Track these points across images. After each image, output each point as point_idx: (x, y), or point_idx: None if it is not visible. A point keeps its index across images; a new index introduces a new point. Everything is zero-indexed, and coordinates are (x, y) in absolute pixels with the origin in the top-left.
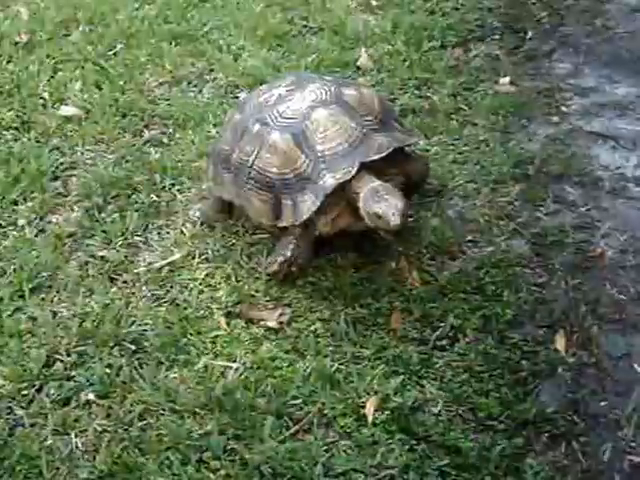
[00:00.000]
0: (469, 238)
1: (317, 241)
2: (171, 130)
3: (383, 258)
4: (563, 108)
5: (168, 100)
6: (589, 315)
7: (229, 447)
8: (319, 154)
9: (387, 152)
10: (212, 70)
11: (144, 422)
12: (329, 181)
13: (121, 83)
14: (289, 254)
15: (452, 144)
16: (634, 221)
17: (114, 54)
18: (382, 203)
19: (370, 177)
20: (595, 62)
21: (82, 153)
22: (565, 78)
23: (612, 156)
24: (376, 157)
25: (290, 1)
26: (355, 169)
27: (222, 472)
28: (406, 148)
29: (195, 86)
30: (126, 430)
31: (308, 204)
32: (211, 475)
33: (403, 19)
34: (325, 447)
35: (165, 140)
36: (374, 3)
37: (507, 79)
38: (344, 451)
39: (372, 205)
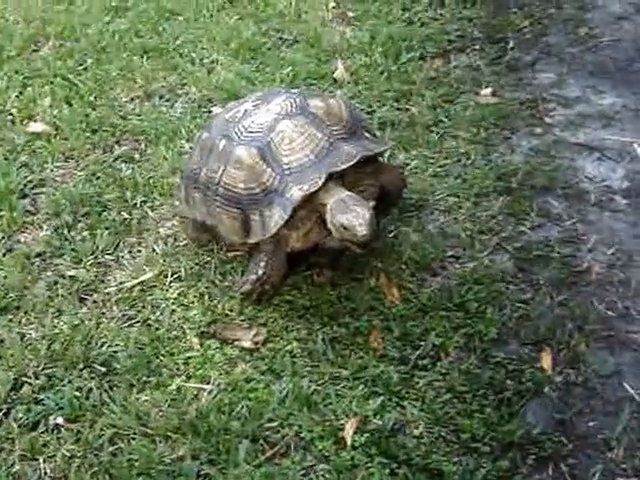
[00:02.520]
0: (451, 253)
1: (292, 258)
2: (143, 146)
3: (361, 275)
4: (547, 119)
5: (139, 115)
6: (576, 332)
7: (203, 472)
8: (285, 166)
9: (355, 161)
10: (184, 84)
11: (115, 447)
12: (296, 193)
13: (91, 98)
14: (261, 272)
15: (432, 157)
16: (621, 234)
17: (84, 69)
18: (349, 214)
19: (339, 188)
20: (579, 72)
21: (51, 170)
22: (548, 88)
23: (598, 168)
24: (344, 167)
25: (264, 13)
26: (322, 180)
27: None
28: (379, 158)
29: (167, 100)
30: (96, 455)
31: (276, 218)
32: None
33: (381, 30)
34: (302, 472)
35: (137, 156)
36: (350, 14)
37: (489, 90)
38: (322, 475)
39: (338, 216)
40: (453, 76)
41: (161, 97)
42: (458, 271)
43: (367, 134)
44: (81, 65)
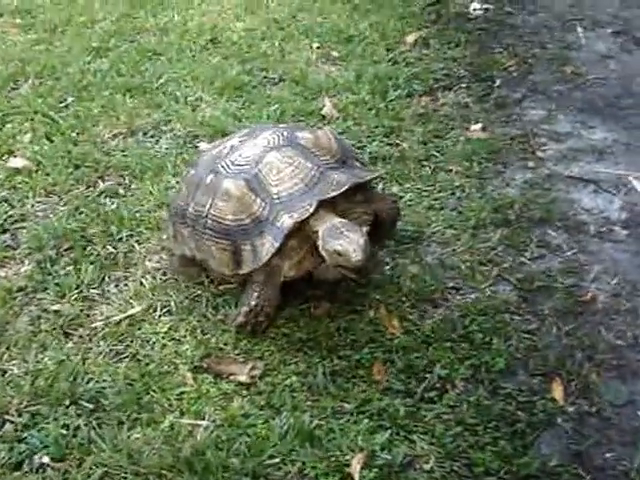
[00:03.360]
0: (451, 285)
1: (286, 290)
2: (127, 181)
3: (360, 307)
4: (539, 153)
5: (123, 151)
6: (586, 362)
7: None
8: (274, 196)
9: (346, 188)
10: (169, 121)
11: None
12: (287, 221)
13: (73, 135)
14: (254, 303)
15: (426, 190)
16: (624, 264)
17: (65, 106)
18: (342, 240)
19: (330, 215)
20: (568, 108)
21: (32, 205)
22: (538, 124)
23: (594, 200)
24: (334, 194)
25: (248, 54)
26: (313, 207)
27: None
28: (372, 187)
29: (152, 137)
30: None
31: (267, 247)
32: None
33: (366, 69)
34: None
35: (121, 191)
36: (335, 54)
37: (478, 125)
38: None
39: (331, 242)
40: (442, 113)
41: (145, 134)
42: (460, 302)
43: (357, 163)
44: (62, 102)
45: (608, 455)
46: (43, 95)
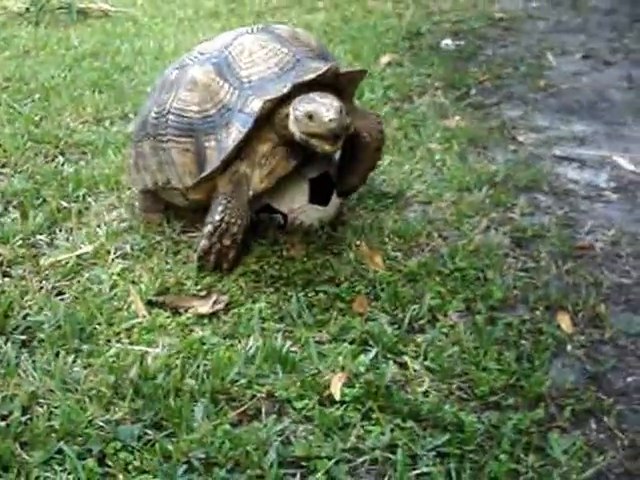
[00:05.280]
0: (437, 235)
1: (256, 230)
2: (89, 156)
3: (339, 248)
4: (520, 138)
5: (88, 131)
6: (592, 295)
7: (146, 437)
8: (244, 80)
9: (324, 71)
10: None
11: (29, 412)
12: (256, 105)
13: (36, 119)
14: (218, 218)
15: (406, 162)
16: (619, 220)
17: (32, 101)
18: (315, 103)
19: None
20: (545, 109)
21: None
22: (517, 120)
23: (581, 174)
24: (312, 76)
25: None
26: (287, 88)
27: (135, 464)
28: (353, 101)
29: (120, 124)
30: (3, 419)
31: (234, 135)
32: (119, 469)
33: None
34: (279, 433)
35: (82, 163)
36: None
37: (457, 118)
38: (304, 437)
39: (303, 105)
40: (419, 110)
41: (112, 123)
42: (449, 244)
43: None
44: (29, 98)
45: (630, 379)
46: (9, 93)
